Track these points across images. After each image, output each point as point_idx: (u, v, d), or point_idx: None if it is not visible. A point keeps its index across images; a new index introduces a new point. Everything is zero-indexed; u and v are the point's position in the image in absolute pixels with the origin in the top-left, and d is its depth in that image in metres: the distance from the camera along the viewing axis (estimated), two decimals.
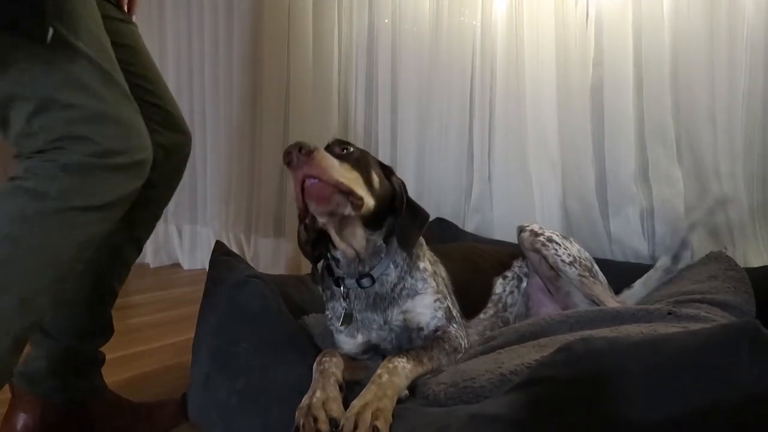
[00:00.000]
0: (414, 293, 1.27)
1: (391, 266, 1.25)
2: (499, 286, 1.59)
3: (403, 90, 2.64)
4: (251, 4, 2.68)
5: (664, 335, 0.81)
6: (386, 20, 2.64)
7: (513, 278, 1.64)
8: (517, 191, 2.46)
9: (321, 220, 1.13)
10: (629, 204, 2.26)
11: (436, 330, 1.25)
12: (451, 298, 1.37)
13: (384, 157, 2.66)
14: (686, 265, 1.71)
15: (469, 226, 2.55)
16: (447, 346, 1.20)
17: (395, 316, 1.26)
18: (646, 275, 1.67)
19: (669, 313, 1.24)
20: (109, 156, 0.92)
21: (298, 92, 2.68)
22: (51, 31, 0.82)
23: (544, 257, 1.54)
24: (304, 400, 0.97)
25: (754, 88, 2.04)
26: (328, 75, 2.69)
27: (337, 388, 1.03)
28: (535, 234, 1.58)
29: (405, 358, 1.08)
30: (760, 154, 2.09)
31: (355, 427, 0.88)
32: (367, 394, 0.96)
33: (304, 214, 1.11)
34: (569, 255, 1.54)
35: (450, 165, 2.58)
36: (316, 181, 1.03)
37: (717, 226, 2.11)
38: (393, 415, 0.91)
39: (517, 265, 1.67)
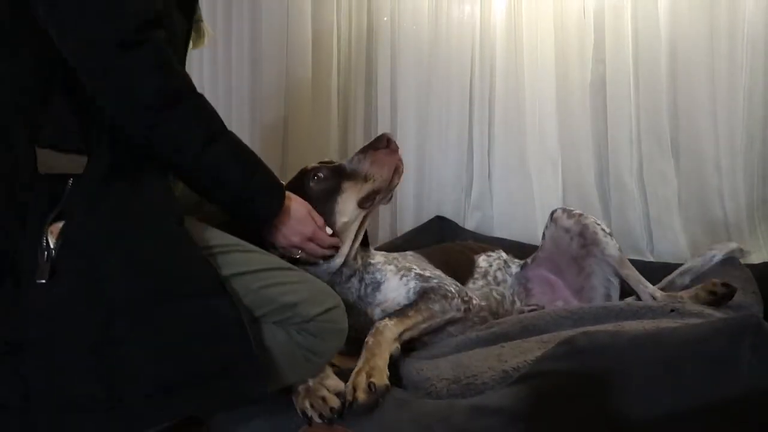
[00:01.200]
0: (377, 284, 1.33)
1: (351, 276, 1.32)
2: (482, 261, 1.61)
3: (403, 88, 2.63)
4: (249, 5, 2.67)
5: (665, 329, 0.81)
6: (385, 18, 2.64)
7: (498, 258, 1.65)
8: (517, 189, 2.46)
9: (381, 198, 1.28)
10: (629, 200, 2.26)
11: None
12: (423, 266, 1.42)
13: None
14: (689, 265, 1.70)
15: (470, 224, 2.55)
16: (433, 296, 1.26)
17: (375, 312, 1.31)
18: None
19: (672, 311, 1.24)
20: (330, 321, 1.06)
21: (297, 92, 2.68)
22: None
23: (585, 226, 1.52)
24: (300, 388, 1.03)
25: (755, 83, 2.04)
26: (327, 74, 2.68)
27: (329, 367, 1.09)
28: (569, 211, 1.58)
29: (387, 317, 1.16)
30: (760, 150, 2.09)
31: (355, 390, 0.95)
32: (359, 363, 1.05)
33: (387, 187, 1.25)
34: (607, 228, 1.54)
35: (450, 163, 2.58)
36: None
37: (716, 223, 2.12)
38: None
39: (504, 253, 1.69)
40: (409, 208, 2.60)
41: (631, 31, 2.22)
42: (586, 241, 1.51)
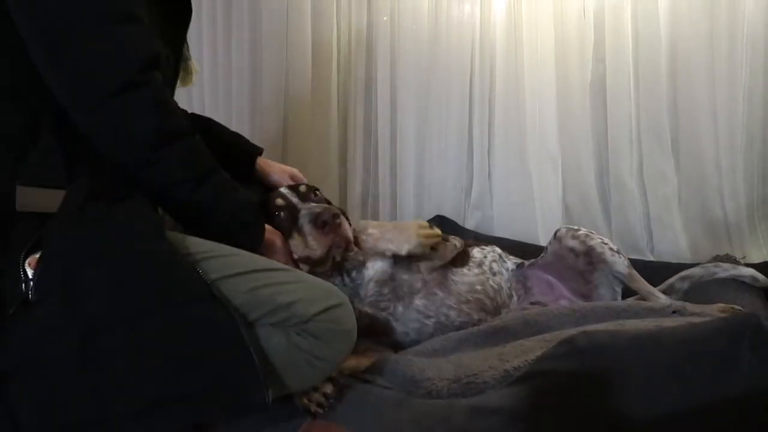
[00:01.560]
0: (362, 263, 1.39)
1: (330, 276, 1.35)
2: (476, 253, 1.60)
3: (403, 88, 2.63)
4: (249, 5, 2.67)
5: (665, 329, 0.81)
6: (385, 18, 2.64)
7: (492, 251, 1.65)
8: (518, 188, 2.46)
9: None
10: (629, 200, 2.26)
11: None
12: None
13: (384, 156, 2.65)
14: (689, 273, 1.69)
15: (470, 224, 2.56)
16: None
17: (369, 287, 1.39)
18: None
19: (674, 312, 1.25)
20: (332, 321, 1.03)
21: (297, 92, 2.68)
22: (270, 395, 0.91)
23: (591, 247, 1.51)
24: None
25: (755, 82, 2.05)
26: (327, 74, 2.68)
27: None
28: (574, 230, 1.57)
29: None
30: (760, 149, 2.09)
31: None
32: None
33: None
34: (614, 245, 1.53)
35: (450, 163, 2.58)
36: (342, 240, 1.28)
37: (716, 222, 2.12)
38: None
39: (498, 249, 1.69)
40: (409, 208, 2.60)
41: (631, 31, 2.22)
42: (592, 259, 1.51)
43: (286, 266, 1.10)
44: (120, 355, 0.86)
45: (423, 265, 1.44)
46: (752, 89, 2.06)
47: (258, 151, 1.50)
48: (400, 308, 1.39)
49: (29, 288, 0.86)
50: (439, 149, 2.60)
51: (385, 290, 1.39)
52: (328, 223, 1.24)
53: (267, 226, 1.19)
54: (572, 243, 1.53)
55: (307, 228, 1.25)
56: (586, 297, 1.54)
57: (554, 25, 2.35)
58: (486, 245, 1.67)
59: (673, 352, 0.70)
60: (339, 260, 1.33)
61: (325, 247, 1.25)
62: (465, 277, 1.51)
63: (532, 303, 1.57)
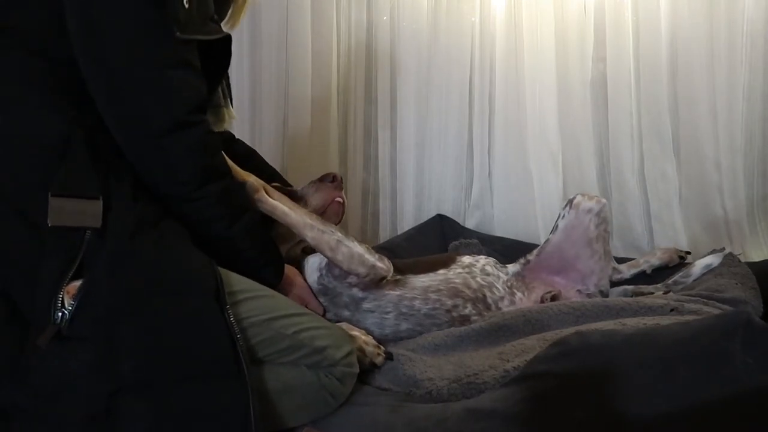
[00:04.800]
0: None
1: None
2: (466, 258, 1.58)
3: (403, 87, 2.64)
4: (249, 5, 2.68)
5: (659, 327, 0.82)
6: (384, 17, 2.64)
7: (486, 258, 1.64)
8: (518, 187, 2.46)
9: None
10: (630, 198, 2.26)
11: None
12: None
13: (384, 155, 2.65)
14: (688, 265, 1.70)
15: (470, 223, 2.56)
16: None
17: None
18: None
19: (672, 310, 1.25)
20: (350, 365, 1.10)
21: (296, 92, 2.68)
22: None
23: (604, 204, 1.60)
24: None
25: (755, 81, 2.04)
26: (327, 75, 2.68)
27: None
28: (588, 194, 1.66)
29: None
30: (760, 147, 2.09)
31: None
32: None
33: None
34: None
35: (450, 162, 2.58)
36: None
37: (716, 221, 2.12)
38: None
39: (493, 259, 1.68)
40: (409, 207, 2.60)
41: (631, 29, 2.22)
42: (599, 220, 1.58)
43: (309, 311, 1.15)
44: (140, 422, 0.83)
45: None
46: (752, 88, 2.06)
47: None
48: (346, 313, 1.36)
49: (64, 319, 0.81)
50: (439, 148, 2.60)
51: (323, 301, 1.37)
52: (337, 178, 1.39)
53: (286, 264, 1.27)
54: (590, 204, 1.59)
55: (311, 189, 1.40)
56: (590, 273, 1.56)
57: (554, 23, 2.34)
58: (481, 255, 1.68)
59: (667, 351, 0.71)
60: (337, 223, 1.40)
61: (327, 196, 1.38)
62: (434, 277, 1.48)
63: (549, 292, 1.57)
